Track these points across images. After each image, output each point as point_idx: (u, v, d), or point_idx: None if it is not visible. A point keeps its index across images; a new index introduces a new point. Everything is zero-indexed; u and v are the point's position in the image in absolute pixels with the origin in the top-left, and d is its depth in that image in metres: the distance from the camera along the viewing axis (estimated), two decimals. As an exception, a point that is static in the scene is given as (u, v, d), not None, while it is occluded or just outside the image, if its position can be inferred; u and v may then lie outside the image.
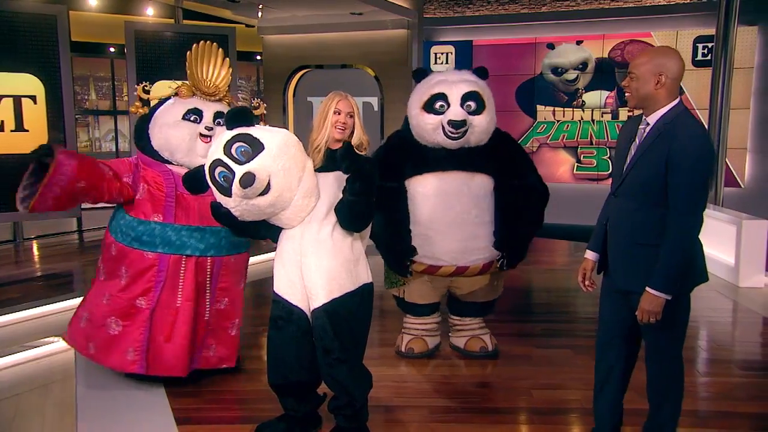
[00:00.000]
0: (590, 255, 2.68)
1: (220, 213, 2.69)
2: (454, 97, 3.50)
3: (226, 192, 2.59)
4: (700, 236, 2.46)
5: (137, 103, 3.55)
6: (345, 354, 2.69)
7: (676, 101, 2.37)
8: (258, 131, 2.64)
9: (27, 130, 6.46)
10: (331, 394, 2.85)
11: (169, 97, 3.55)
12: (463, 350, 3.94)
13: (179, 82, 3.60)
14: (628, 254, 2.46)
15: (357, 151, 2.71)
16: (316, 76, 10.30)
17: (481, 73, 3.66)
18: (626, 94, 2.43)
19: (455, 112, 3.46)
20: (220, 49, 3.59)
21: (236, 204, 2.60)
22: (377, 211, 2.80)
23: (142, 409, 3.28)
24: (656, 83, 2.33)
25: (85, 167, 3.21)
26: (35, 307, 4.76)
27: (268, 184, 2.56)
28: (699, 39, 8.82)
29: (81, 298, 4.99)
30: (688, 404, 3.30)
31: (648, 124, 2.41)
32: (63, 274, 6.06)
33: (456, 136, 3.48)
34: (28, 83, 6.49)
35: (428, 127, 3.53)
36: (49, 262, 6.55)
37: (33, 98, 6.50)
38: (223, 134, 2.66)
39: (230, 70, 3.59)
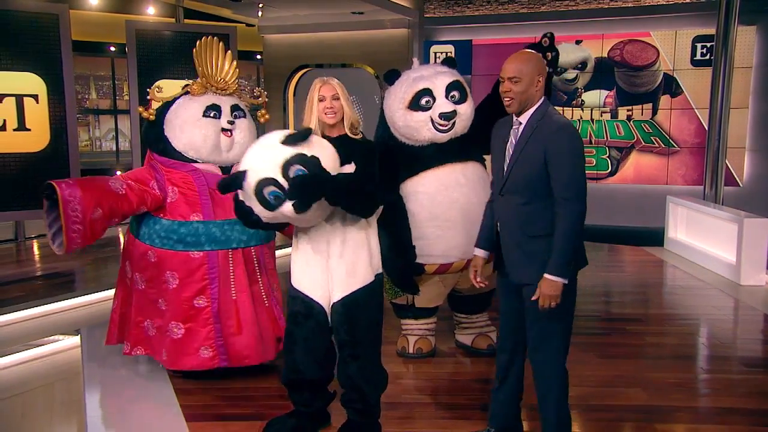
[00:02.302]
0: (479, 252, 2.74)
1: (250, 220, 2.65)
2: (439, 90, 3.51)
3: (270, 208, 2.52)
4: (703, 232, 2.50)
5: (150, 110, 3.52)
6: (360, 350, 2.70)
7: (542, 99, 2.52)
8: (313, 150, 2.55)
9: (29, 129, 6.46)
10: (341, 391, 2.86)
11: (177, 97, 3.55)
12: (470, 347, 3.94)
13: (182, 82, 3.61)
14: (521, 248, 2.53)
15: (350, 136, 2.72)
16: (317, 76, 10.29)
17: (451, 63, 3.69)
18: (506, 100, 2.50)
19: (443, 104, 3.48)
20: (221, 43, 3.60)
21: (273, 216, 2.56)
22: (380, 229, 2.84)
23: (150, 406, 3.29)
24: (536, 85, 2.47)
25: (92, 193, 3.24)
26: (38, 306, 4.77)
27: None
28: (698, 38, 8.85)
29: (82, 297, 5.08)
30: (689, 400, 3.35)
31: (521, 123, 2.52)
32: (65, 273, 6.06)
33: (446, 128, 3.50)
34: (30, 82, 6.49)
35: (417, 125, 3.52)
36: (50, 261, 6.55)
37: (35, 97, 6.51)
38: (276, 150, 2.55)
39: (235, 63, 3.62)
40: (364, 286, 2.71)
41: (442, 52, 9.75)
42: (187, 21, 8.72)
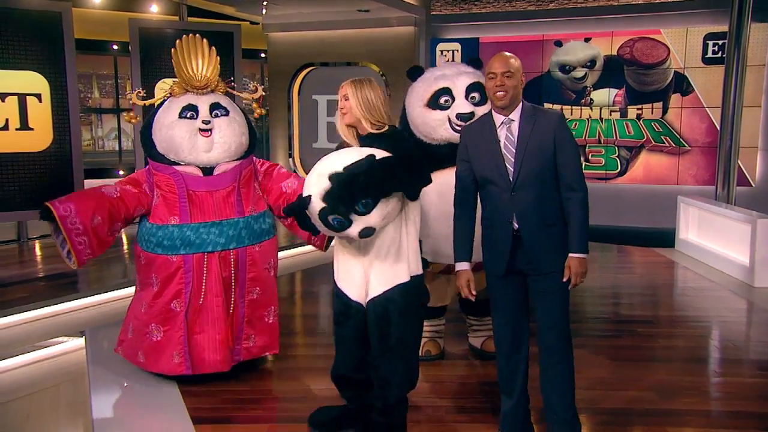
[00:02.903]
0: (466, 265, 2.77)
1: (306, 225, 2.70)
2: (459, 90, 3.53)
3: (333, 230, 2.59)
4: (715, 233, 2.61)
5: (131, 113, 3.65)
6: (387, 347, 2.74)
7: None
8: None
9: (32, 129, 6.51)
10: None
11: (164, 99, 3.61)
12: (479, 350, 3.96)
13: (171, 81, 3.67)
14: (542, 238, 2.65)
15: (375, 132, 2.75)
16: (322, 74, 10.32)
17: (477, 64, 3.69)
18: (499, 93, 2.61)
19: (462, 104, 3.50)
20: (205, 40, 3.61)
21: (347, 234, 2.61)
22: None
23: (157, 409, 3.31)
24: (522, 81, 2.66)
25: (86, 203, 3.34)
26: (43, 307, 4.80)
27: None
28: (709, 36, 8.83)
29: (87, 298, 5.12)
30: (701, 404, 3.35)
31: (513, 120, 2.64)
32: (68, 274, 6.08)
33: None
34: (33, 81, 6.53)
35: (435, 123, 3.55)
36: (53, 261, 6.58)
37: (38, 96, 6.55)
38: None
39: (218, 59, 3.62)
40: (398, 285, 2.72)
41: (448, 50, 9.77)
42: (190, 19, 8.76)
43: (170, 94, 3.58)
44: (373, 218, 2.57)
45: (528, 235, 2.64)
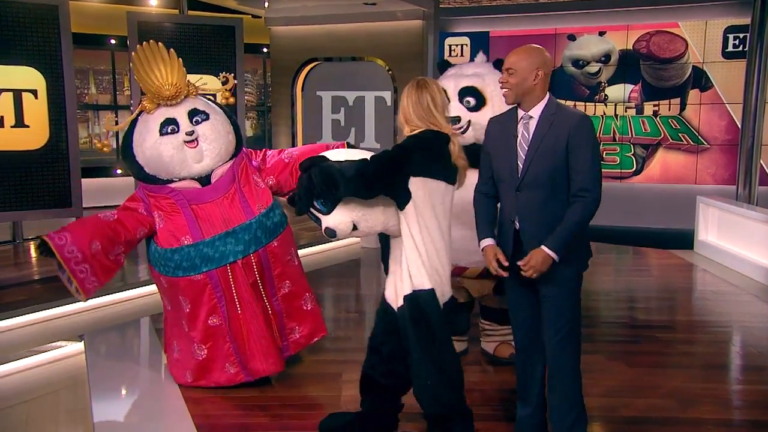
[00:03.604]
0: (490, 241, 2.78)
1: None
2: (452, 92, 3.57)
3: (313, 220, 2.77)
4: (735, 234, 2.59)
5: (105, 141, 3.59)
6: (412, 359, 2.75)
7: (549, 94, 2.64)
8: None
9: (28, 126, 6.54)
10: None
11: (136, 118, 3.53)
12: (492, 356, 3.97)
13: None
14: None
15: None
16: (326, 70, 10.36)
17: (500, 66, 3.70)
18: (504, 90, 2.66)
19: (451, 107, 3.53)
20: (161, 44, 3.49)
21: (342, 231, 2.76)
22: None
23: (161, 416, 3.33)
24: (534, 78, 2.59)
25: (81, 230, 3.33)
26: (40, 311, 4.82)
27: (355, 225, 2.72)
28: (730, 29, 8.81)
29: (85, 301, 5.13)
30: (721, 413, 3.34)
31: (531, 117, 2.63)
32: (65, 276, 6.12)
33: (456, 132, 3.53)
34: (29, 77, 6.56)
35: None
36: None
37: (34, 92, 6.58)
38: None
39: (180, 61, 3.51)
40: (405, 296, 2.74)
41: (457, 45, 9.77)
42: (191, 12, 8.78)
43: (141, 111, 3.49)
44: (331, 219, 2.67)
45: (528, 237, 2.63)
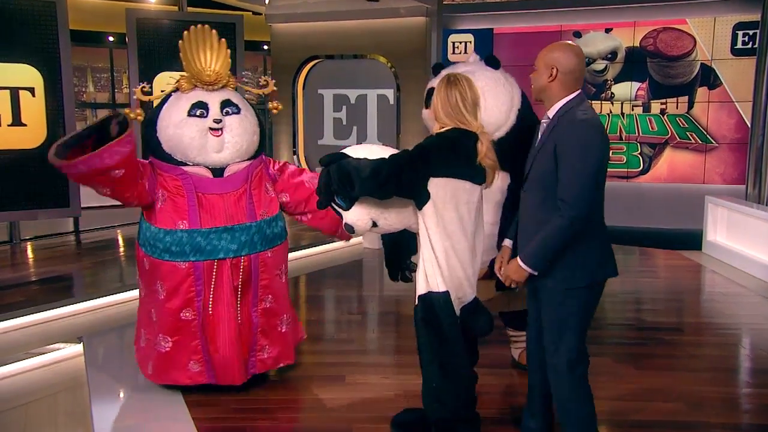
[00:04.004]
0: (509, 243, 2.86)
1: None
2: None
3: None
4: (745, 235, 2.57)
5: (138, 110, 3.49)
6: (421, 359, 2.78)
7: (573, 95, 2.56)
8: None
9: (25, 125, 6.56)
10: None
11: (170, 94, 3.53)
12: (516, 362, 3.99)
13: (178, 74, 3.58)
14: None
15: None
16: (328, 67, 10.36)
17: (492, 62, 3.69)
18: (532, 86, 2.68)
19: None
20: (214, 31, 3.51)
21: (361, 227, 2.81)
22: None
23: (162, 420, 3.33)
24: (549, 77, 2.55)
25: (132, 157, 3.25)
26: (37, 312, 4.83)
27: (374, 223, 2.75)
28: (739, 25, 8.79)
29: (83, 303, 5.15)
30: (731, 417, 3.34)
31: (548, 118, 2.60)
32: (63, 278, 6.13)
33: None
34: (26, 74, 6.57)
35: (430, 123, 3.59)
36: (47, 264, 6.63)
37: (31, 90, 6.60)
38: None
39: (228, 52, 3.54)
40: (418, 296, 2.78)
41: (460, 42, 9.77)
42: (190, 9, 8.79)
43: (177, 89, 3.50)
44: (350, 216, 2.70)
45: (522, 240, 2.66)
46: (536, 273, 2.56)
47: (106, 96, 10.84)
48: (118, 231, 8.30)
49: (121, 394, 3.60)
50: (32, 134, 6.56)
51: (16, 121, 6.51)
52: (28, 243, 7.54)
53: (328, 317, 5.21)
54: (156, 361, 3.45)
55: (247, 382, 3.53)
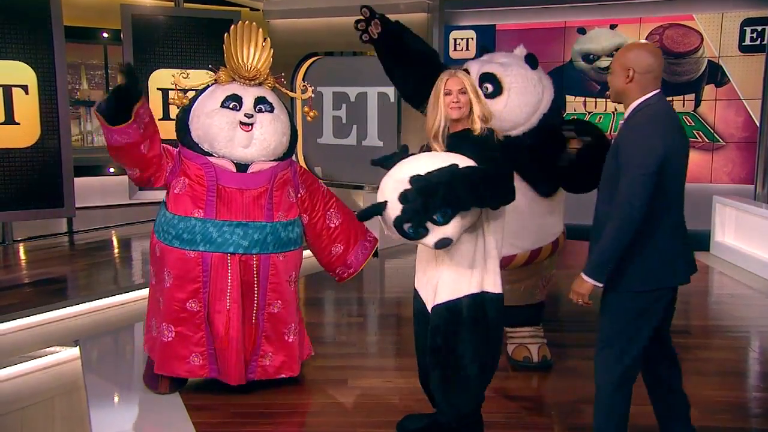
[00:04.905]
0: None
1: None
2: (473, 76, 3.63)
3: (408, 238, 2.63)
4: (754, 236, 2.59)
5: (179, 94, 3.60)
6: (442, 359, 2.79)
7: (651, 94, 2.57)
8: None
9: (18, 123, 6.56)
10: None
11: (209, 85, 3.62)
12: (510, 358, 4.04)
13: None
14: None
15: (474, 131, 2.80)
16: (327, 65, 10.35)
17: (530, 60, 3.74)
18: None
19: None
20: (260, 30, 3.63)
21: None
22: None
23: (161, 423, 3.35)
24: (626, 78, 2.56)
25: (153, 129, 3.38)
26: (32, 315, 4.85)
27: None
28: (747, 22, 8.80)
29: (79, 306, 5.17)
30: (740, 421, 3.37)
31: (625, 119, 2.64)
32: (57, 280, 6.15)
33: None
34: (19, 71, 6.57)
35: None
36: (40, 266, 6.65)
37: (24, 88, 6.60)
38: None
39: (271, 51, 3.64)
40: (465, 296, 2.77)
41: (462, 38, 9.78)
42: (187, 5, 8.81)
43: (215, 80, 3.58)
44: (450, 229, 2.59)
45: (592, 241, 2.67)
46: (601, 284, 2.55)
47: (100, 94, 10.77)
48: (113, 232, 8.32)
49: (120, 398, 3.61)
50: (25, 133, 6.55)
51: (9, 119, 6.51)
52: (21, 244, 7.55)
53: (328, 320, 5.23)
54: (159, 351, 3.48)
55: (249, 386, 3.54)
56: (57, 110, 6.68)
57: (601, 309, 2.69)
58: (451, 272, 2.77)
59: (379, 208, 2.62)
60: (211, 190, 3.43)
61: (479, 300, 2.77)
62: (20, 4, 6.56)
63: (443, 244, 2.60)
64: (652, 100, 2.56)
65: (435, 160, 2.61)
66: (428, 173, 2.53)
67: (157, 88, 7.49)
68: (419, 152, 2.87)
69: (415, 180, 2.52)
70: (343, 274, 3.90)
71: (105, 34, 10.26)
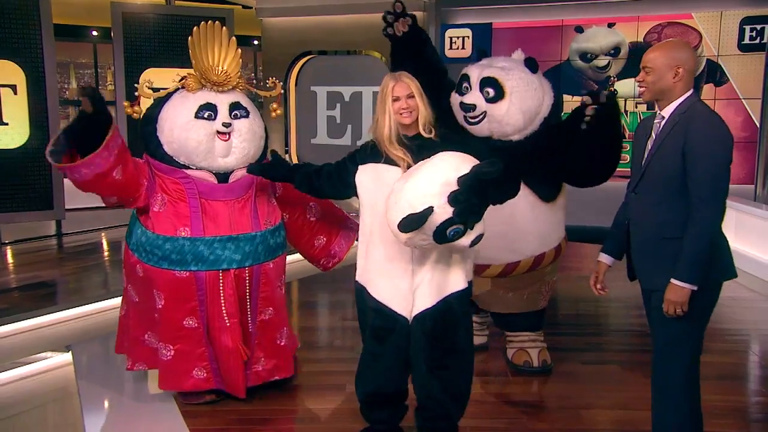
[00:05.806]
0: (605, 259, 2.91)
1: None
2: (474, 80, 3.68)
3: (443, 242, 2.58)
4: (754, 237, 2.61)
5: (137, 107, 3.43)
6: (448, 362, 2.82)
7: (690, 92, 2.61)
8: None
9: (7, 123, 6.56)
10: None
11: (173, 92, 3.44)
12: (510, 363, 4.07)
13: (185, 71, 3.49)
14: (652, 251, 2.65)
15: (424, 135, 2.80)
16: (321, 63, 10.36)
17: (530, 64, 3.76)
18: (641, 89, 2.67)
19: (471, 95, 3.66)
20: (224, 29, 3.44)
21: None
22: None
23: (158, 430, 3.35)
24: (674, 76, 2.57)
25: (125, 153, 3.22)
26: (22, 320, 4.84)
27: None
28: (746, 20, 8.85)
29: (70, 310, 5.15)
30: (740, 427, 3.38)
31: (663, 117, 2.63)
32: (46, 284, 6.13)
33: (472, 121, 3.66)
34: (8, 71, 6.57)
35: (455, 109, 3.73)
36: (29, 270, 6.62)
37: (13, 88, 6.60)
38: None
39: (239, 52, 3.47)
40: (455, 293, 2.81)
41: (457, 37, 9.80)
42: (178, 3, 8.81)
43: (182, 86, 3.41)
44: (481, 225, 2.62)
45: (636, 244, 2.69)
46: (696, 288, 2.54)
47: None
48: (102, 234, 8.30)
49: (115, 405, 3.61)
50: (14, 133, 6.56)
51: (-2, 119, 6.51)
52: (8, 247, 7.52)
53: (322, 324, 5.24)
54: (162, 369, 3.46)
55: (247, 392, 3.55)
56: (46, 110, 6.68)
57: (660, 310, 2.62)
58: (436, 273, 2.80)
59: (425, 215, 2.51)
60: (194, 206, 3.34)
61: (467, 293, 2.87)
62: (9, 3, 6.54)
63: (477, 240, 2.62)
64: (693, 97, 2.61)
65: (454, 161, 2.60)
66: (466, 175, 2.52)
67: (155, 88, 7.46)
68: (365, 156, 2.89)
69: (465, 183, 2.50)
70: (328, 264, 3.90)
71: (95, 33, 10.25)
